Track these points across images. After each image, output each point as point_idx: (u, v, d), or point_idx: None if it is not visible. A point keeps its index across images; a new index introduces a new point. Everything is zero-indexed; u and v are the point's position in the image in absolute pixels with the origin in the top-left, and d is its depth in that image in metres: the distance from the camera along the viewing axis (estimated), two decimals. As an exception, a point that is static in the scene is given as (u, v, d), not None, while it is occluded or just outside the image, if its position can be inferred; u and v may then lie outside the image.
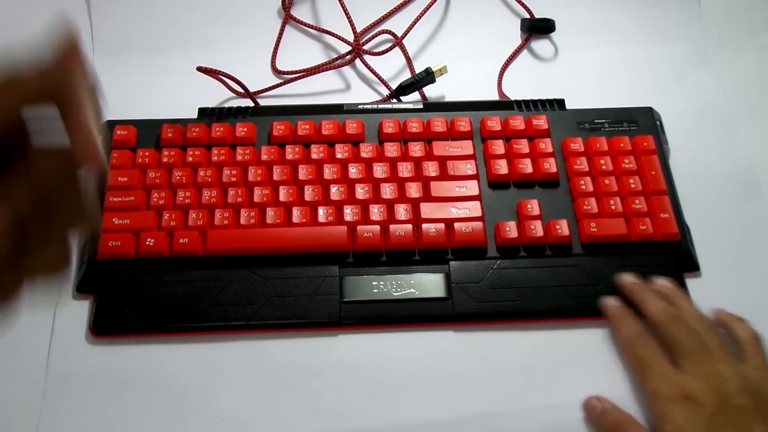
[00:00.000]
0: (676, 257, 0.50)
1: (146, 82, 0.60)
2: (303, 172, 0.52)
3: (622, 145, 0.53)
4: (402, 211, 0.50)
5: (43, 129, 0.27)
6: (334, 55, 0.62)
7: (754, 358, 0.44)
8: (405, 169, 0.52)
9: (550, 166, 0.53)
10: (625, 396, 0.45)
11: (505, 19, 0.65)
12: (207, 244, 0.49)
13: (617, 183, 0.52)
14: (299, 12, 0.64)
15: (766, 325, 0.48)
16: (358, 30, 0.62)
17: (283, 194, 0.51)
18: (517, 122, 0.55)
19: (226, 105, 0.59)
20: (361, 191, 0.51)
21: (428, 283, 0.48)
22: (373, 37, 0.62)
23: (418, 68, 0.60)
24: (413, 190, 0.51)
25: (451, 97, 0.61)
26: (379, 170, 0.52)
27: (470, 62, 0.62)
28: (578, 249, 0.50)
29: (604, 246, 0.50)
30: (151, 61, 0.61)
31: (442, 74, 0.59)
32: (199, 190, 0.51)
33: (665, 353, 0.44)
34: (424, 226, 0.50)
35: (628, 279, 0.48)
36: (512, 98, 0.59)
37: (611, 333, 0.48)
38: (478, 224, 0.50)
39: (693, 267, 0.50)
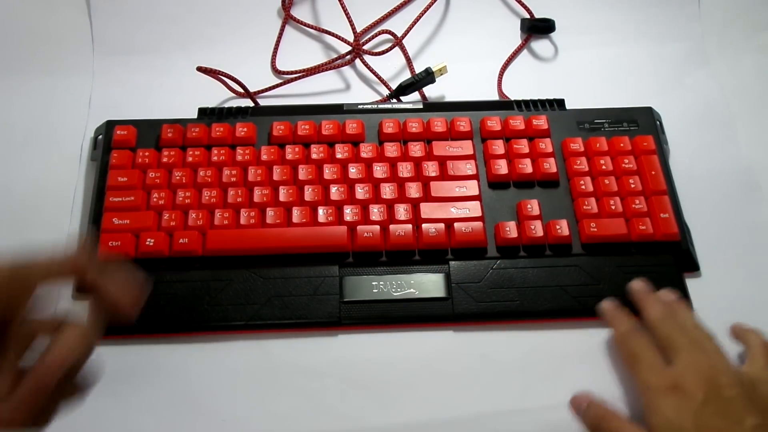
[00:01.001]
0: (675, 257, 0.50)
1: (146, 82, 0.60)
2: (303, 172, 0.52)
3: (621, 145, 0.53)
4: (402, 211, 0.50)
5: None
6: (334, 55, 0.62)
7: (757, 360, 0.43)
8: (405, 169, 0.52)
9: (550, 166, 0.53)
10: (623, 396, 0.45)
11: (505, 19, 0.65)
12: (207, 244, 0.49)
13: (617, 183, 0.52)
14: (299, 12, 0.64)
15: (765, 326, 0.48)
16: (358, 30, 0.62)
17: (283, 194, 0.51)
18: (517, 122, 0.55)
19: (226, 105, 0.59)
20: (361, 191, 0.51)
21: (428, 283, 0.48)
22: (373, 37, 0.62)
23: (418, 68, 0.61)
24: (413, 190, 0.51)
25: (451, 97, 0.61)
26: (379, 170, 0.52)
27: (470, 62, 0.62)
28: (578, 249, 0.50)
29: (603, 246, 0.50)
30: (151, 61, 0.61)
31: (442, 74, 0.59)
32: (199, 190, 0.51)
33: (659, 352, 0.43)
34: (424, 226, 0.50)
35: (637, 285, 0.48)
36: (512, 98, 0.59)
37: (611, 333, 0.48)
38: (478, 224, 0.50)
39: (693, 267, 0.50)
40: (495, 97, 0.60)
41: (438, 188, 0.52)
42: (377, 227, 0.49)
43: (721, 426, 0.38)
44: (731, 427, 0.38)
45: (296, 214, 0.50)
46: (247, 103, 0.59)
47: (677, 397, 0.40)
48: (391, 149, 0.53)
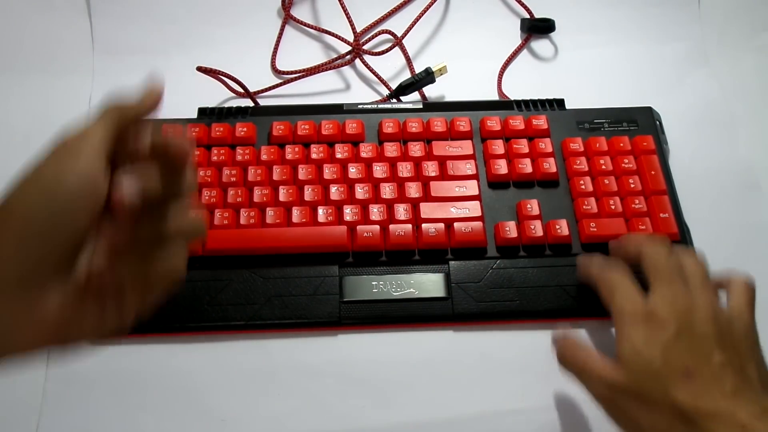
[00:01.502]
0: (675, 257, 0.50)
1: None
2: (303, 172, 0.52)
3: (621, 144, 0.53)
4: (402, 210, 0.50)
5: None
6: (334, 55, 0.62)
7: (737, 297, 0.41)
8: (405, 169, 0.52)
9: (550, 165, 0.53)
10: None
11: (505, 18, 0.65)
12: (207, 244, 0.49)
13: (617, 183, 0.52)
14: (299, 12, 0.64)
15: (766, 327, 0.48)
16: (358, 30, 0.62)
17: (283, 194, 0.51)
18: (517, 122, 0.55)
19: (226, 105, 0.59)
20: (360, 191, 0.51)
21: (428, 283, 0.48)
22: (373, 37, 0.62)
23: (418, 68, 0.61)
24: (413, 189, 0.51)
25: (450, 97, 0.61)
26: (379, 170, 0.52)
27: (470, 62, 0.62)
28: (578, 249, 0.50)
29: (603, 246, 0.50)
30: (151, 61, 0.61)
31: (441, 74, 0.59)
32: (199, 190, 0.51)
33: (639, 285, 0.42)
34: (424, 225, 0.50)
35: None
36: (512, 98, 0.59)
37: (612, 333, 0.48)
38: (478, 224, 0.50)
39: (693, 267, 0.50)
40: (495, 97, 0.61)
41: (438, 188, 0.52)
42: (377, 227, 0.49)
43: (688, 361, 0.37)
44: (698, 364, 0.37)
45: (296, 213, 0.50)
46: (247, 102, 0.59)
47: (649, 327, 0.39)
48: (391, 149, 0.53)
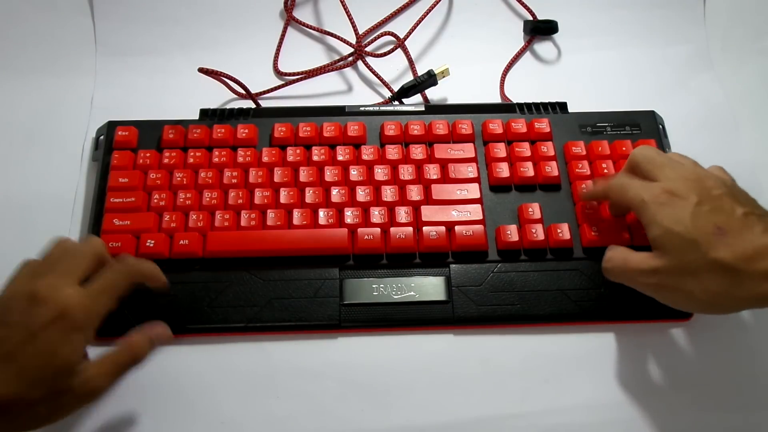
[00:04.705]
0: (677, 262, 0.50)
1: (148, 83, 0.60)
2: (304, 174, 0.52)
3: (624, 148, 0.53)
4: (403, 213, 0.50)
5: None
6: (336, 57, 0.62)
7: (714, 169, 0.45)
8: (406, 172, 0.52)
9: (552, 169, 0.53)
10: (624, 401, 0.45)
11: (508, 20, 0.65)
12: (207, 246, 0.49)
13: (619, 187, 0.52)
14: (301, 13, 0.64)
15: (766, 329, 0.48)
16: (361, 32, 0.62)
17: (284, 196, 0.51)
18: (519, 125, 0.55)
19: (228, 106, 0.59)
20: (361, 193, 0.51)
21: (428, 286, 0.48)
22: (375, 39, 0.62)
23: (421, 70, 0.60)
24: (414, 192, 0.51)
25: (453, 99, 0.61)
26: (380, 172, 0.52)
27: (472, 64, 0.62)
28: (579, 253, 0.50)
29: (605, 250, 0.49)
30: (153, 62, 0.61)
31: (444, 76, 0.59)
32: (200, 192, 0.51)
33: None
34: (425, 228, 0.50)
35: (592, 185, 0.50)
36: (514, 101, 0.59)
37: (612, 339, 0.48)
38: (479, 227, 0.50)
39: (695, 272, 0.50)
40: (497, 99, 0.60)
41: (439, 191, 0.51)
42: (378, 230, 0.49)
43: (718, 220, 0.40)
44: (727, 219, 0.40)
45: (297, 216, 0.50)
46: (249, 104, 0.58)
47: (671, 204, 0.41)
48: (393, 151, 0.53)
